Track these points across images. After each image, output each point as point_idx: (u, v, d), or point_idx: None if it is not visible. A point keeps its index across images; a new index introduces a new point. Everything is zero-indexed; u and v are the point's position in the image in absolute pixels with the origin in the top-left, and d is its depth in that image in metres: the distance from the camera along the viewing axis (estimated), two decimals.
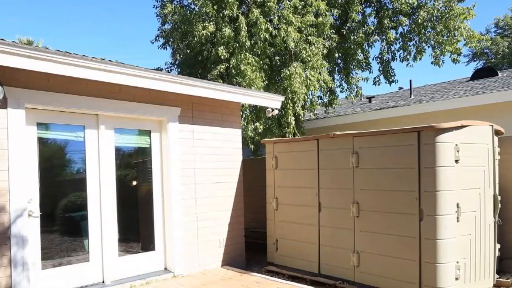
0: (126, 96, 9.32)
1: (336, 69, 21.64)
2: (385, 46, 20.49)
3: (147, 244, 10.19)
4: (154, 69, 12.54)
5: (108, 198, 9.33)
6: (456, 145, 8.10)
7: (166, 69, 22.41)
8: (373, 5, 20.51)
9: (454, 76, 39.27)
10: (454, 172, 8.09)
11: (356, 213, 9.30)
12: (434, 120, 9.89)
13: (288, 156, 11.11)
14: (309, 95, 18.86)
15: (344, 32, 20.22)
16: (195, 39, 17.99)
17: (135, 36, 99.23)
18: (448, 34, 18.60)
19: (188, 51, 20.65)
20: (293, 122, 17.38)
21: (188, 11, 19.45)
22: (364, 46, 20.46)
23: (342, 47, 20.16)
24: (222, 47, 17.09)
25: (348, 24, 20.06)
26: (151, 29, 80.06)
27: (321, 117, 22.43)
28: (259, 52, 17.51)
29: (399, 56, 20.60)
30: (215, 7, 17.49)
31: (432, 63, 19.58)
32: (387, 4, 20.08)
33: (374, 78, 21.11)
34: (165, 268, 10.26)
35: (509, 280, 9.15)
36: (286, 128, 17.54)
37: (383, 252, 8.88)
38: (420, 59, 19.82)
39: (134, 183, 10.25)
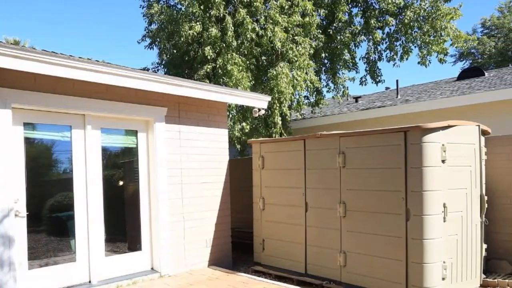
0: (113, 96, 9.29)
1: (323, 69, 21.68)
2: (372, 46, 20.60)
3: (134, 244, 10.17)
4: (141, 69, 12.52)
5: (95, 198, 9.30)
6: (443, 145, 8.12)
7: (153, 69, 22.39)
8: (359, 5, 20.55)
9: (441, 76, 39.40)
10: (440, 172, 8.11)
11: (343, 213, 9.31)
12: (420, 120, 9.92)
13: (274, 156, 11.12)
14: (295, 95, 18.89)
15: (331, 32, 20.24)
16: (182, 39, 17.98)
17: (126, 37, 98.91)
18: (435, 34, 18.66)
19: (175, 51, 20.63)
20: (280, 122, 17.40)
21: (175, 11, 19.43)
22: (350, 46, 20.52)
23: (328, 47, 20.20)
24: (208, 47, 17.08)
25: (334, 24, 20.08)
26: (139, 29, 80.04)
27: (307, 117, 22.46)
28: (246, 52, 17.53)
29: (386, 56, 20.72)
30: (201, 7, 17.48)
31: (418, 63, 19.68)
32: (374, 4, 20.15)
33: (361, 78, 21.18)
34: (152, 268, 10.24)
35: (495, 280, 9.19)
36: (273, 128, 17.56)
37: (369, 252, 8.89)
38: (407, 59, 19.91)
39: (121, 183, 10.23)
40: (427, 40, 18.70)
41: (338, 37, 19.75)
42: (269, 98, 12.43)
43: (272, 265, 11.00)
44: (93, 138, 9.29)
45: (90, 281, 9.17)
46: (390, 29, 20.03)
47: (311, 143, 10.13)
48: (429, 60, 19.39)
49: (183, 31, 17.42)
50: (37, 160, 8.88)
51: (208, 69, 17.70)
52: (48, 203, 8.97)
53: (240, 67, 16.81)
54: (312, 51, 18.32)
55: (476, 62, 48.15)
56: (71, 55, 8.80)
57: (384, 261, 8.63)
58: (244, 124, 17.22)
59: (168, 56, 21.72)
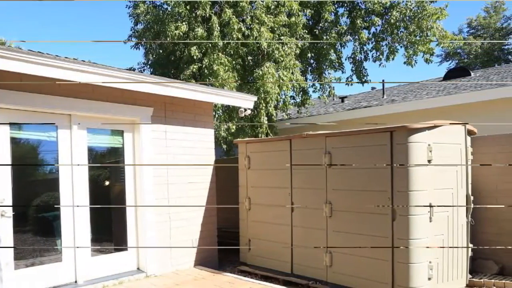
0: (99, 96, 9.24)
1: (309, 69, 21.74)
2: (358, 46, 20.58)
3: (120, 244, 10.12)
4: (127, 69, 12.50)
5: (81, 198, 9.25)
6: (429, 145, 8.14)
7: (139, 69, 22.36)
8: (345, 5, 20.58)
9: (427, 76, 39.52)
10: (426, 172, 8.13)
11: (329, 213, 9.32)
12: (406, 120, 9.94)
13: (261, 156, 11.12)
14: (281, 95, 18.93)
15: (317, 32, 20.30)
16: (168, 39, 17.97)
17: (113, 37, 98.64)
18: (421, 34, 18.71)
19: (161, 51, 20.68)
20: (266, 122, 17.39)
21: (161, 11, 19.48)
22: (336, 46, 20.54)
23: (314, 47, 20.19)
24: (194, 47, 17.11)
25: (320, 24, 20.15)
26: (125, 29, 79.94)
27: (293, 117, 22.49)
28: (232, 52, 17.52)
29: (372, 56, 20.72)
30: (187, 7, 17.50)
31: (404, 63, 19.69)
32: (360, 4, 20.16)
33: (347, 78, 21.19)
34: (138, 268, 10.21)
35: (481, 280, 9.23)
36: (259, 128, 17.58)
37: (356, 252, 8.89)
38: (393, 59, 19.94)
39: (107, 183, 10.22)
40: (413, 40, 18.74)
41: (324, 37, 19.78)
42: (255, 98, 12.45)
43: (258, 265, 11.00)
44: (79, 138, 9.24)
45: (76, 281, 9.15)
46: (376, 29, 20.07)
47: (297, 143, 10.13)
48: (415, 60, 19.43)
49: (169, 31, 17.43)
50: (23, 160, 8.89)
51: (194, 69, 17.73)
52: (34, 203, 8.96)
53: (226, 67, 16.82)
54: (298, 51, 18.38)
55: (462, 62, 48.38)
56: (57, 55, 8.78)
57: (370, 261, 8.64)
58: (230, 124, 17.25)
59: (154, 56, 21.75)
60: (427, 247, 8.08)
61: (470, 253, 9.22)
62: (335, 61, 20.87)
